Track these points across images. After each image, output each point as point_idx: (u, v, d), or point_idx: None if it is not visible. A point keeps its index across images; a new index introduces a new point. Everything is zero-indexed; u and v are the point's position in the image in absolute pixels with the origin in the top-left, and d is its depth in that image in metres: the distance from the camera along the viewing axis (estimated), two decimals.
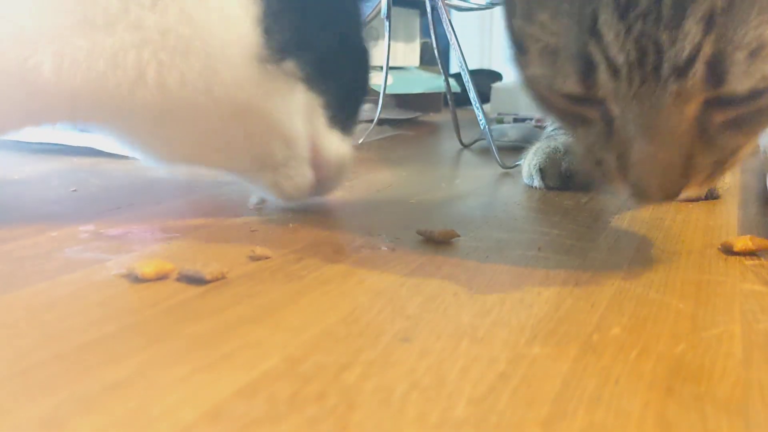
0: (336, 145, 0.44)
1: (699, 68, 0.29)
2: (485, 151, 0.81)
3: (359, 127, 0.91)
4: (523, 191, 0.61)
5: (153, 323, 0.30)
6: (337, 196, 0.57)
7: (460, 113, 0.87)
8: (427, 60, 1.23)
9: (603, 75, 0.30)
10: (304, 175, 0.44)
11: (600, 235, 0.46)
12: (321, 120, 0.43)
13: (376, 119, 0.84)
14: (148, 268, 0.35)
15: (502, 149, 0.71)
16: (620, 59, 0.30)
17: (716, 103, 0.31)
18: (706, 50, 0.29)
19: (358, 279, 0.36)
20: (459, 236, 0.44)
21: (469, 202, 0.58)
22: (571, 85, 0.31)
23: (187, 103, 0.39)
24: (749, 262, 0.40)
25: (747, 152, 0.34)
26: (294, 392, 0.24)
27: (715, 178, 0.34)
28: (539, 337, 0.29)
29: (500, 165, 0.69)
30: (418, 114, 1.14)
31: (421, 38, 1.22)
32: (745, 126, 0.32)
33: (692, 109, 0.31)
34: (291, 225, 0.47)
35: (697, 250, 0.42)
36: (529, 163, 0.62)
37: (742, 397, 0.25)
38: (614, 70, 0.30)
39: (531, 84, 0.34)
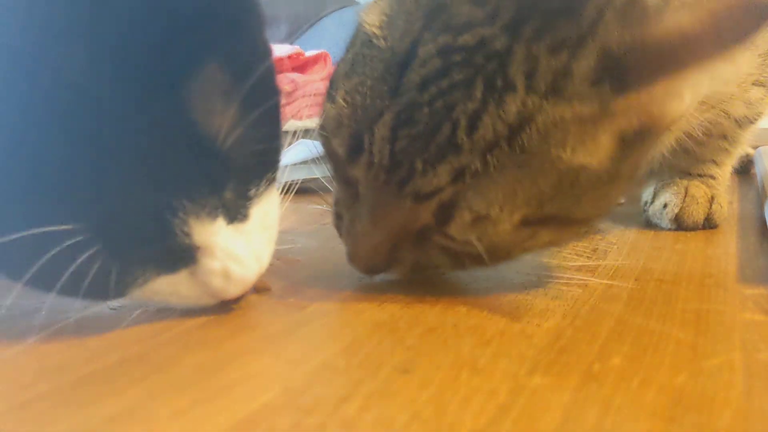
0: None
1: (433, 204, 0.34)
2: None
3: None
4: None
5: (153, 355, 0.30)
6: None
7: None
8: None
9: (363, 161, 0.35)
10: None
11: (599, 265, 0.46)
12: None
13: None
14: None
15: None
16: (378, 159, 0.34)
17: (436, 230, 0.36)
18: (444, 196, 0.34)
19: (357, 310, 0.36)
20: None
21: None
22: (341, 152, 0.36)
23: None
24: (749, 291, 0.40)
25: (452, 265, 0.39)
26: (294, 424, 0.24)
27: (414, 271, 0.39)
28: (540, 367, 0.29)
29: None
30: None
31: None
32: (452, 253, 0.37)
33: (415, 223, 0.36)
34: (290, 257, 0.47)
35: (696, 280, 0.42)
36: None
37: (744, 427, 0.25)
38: (370, 163, 0.35)
39: (321, 128, 0.38)
